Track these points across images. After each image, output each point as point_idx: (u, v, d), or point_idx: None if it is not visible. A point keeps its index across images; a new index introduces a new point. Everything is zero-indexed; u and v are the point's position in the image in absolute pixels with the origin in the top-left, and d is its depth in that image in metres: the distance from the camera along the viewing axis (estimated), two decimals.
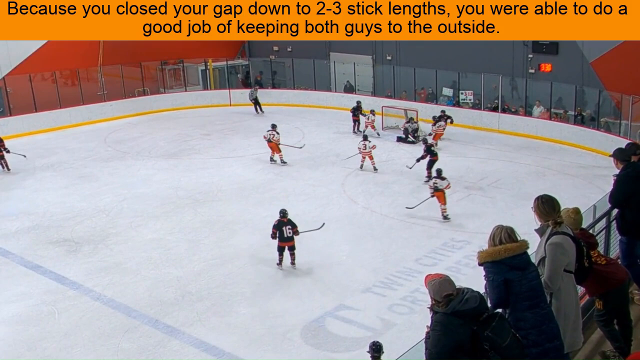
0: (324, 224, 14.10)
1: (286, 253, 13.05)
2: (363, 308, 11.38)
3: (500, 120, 24.25)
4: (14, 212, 16.66)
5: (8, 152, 20.49)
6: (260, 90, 29.18)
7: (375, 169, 19.33)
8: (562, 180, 18.34)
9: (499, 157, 20.78)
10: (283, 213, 13.04)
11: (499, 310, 4.66)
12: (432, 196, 15.64)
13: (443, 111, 22.97)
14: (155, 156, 21.98)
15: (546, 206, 5.04)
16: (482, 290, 4.65)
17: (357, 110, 24.07)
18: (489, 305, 4.63)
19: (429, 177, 17.50)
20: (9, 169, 20.31)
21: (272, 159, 20.50)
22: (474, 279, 5.25)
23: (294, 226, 12.98)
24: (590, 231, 6.38)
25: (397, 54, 28.34)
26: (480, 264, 4.80)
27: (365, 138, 19.75)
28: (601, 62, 22.27)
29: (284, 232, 12.87)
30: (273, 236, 12.95)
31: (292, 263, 13.07)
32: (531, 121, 23.58)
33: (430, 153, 18.43)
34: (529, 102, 24.27)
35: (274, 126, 20.77)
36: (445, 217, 15.43)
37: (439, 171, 15.86)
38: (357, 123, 24.07)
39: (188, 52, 30.52)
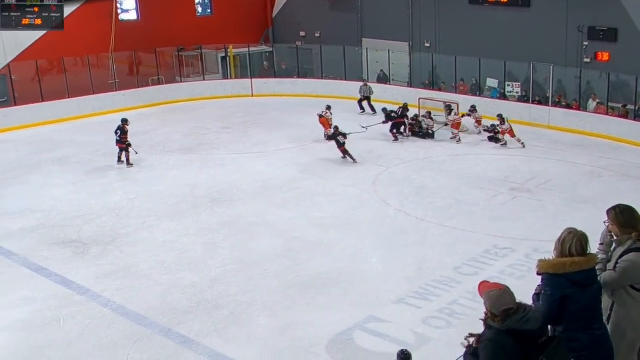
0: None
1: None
2: (395, 320, 11.32)
3: (550, 115, 23.97)
4: (18, 210, 16.93)
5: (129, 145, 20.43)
6: (286, 80, 29.14)
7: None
8: (620, 182, 18.06)
9: (549, 156, 20.54)
10: (336, 127, 20.59)
11: (557, 333, 4.57)
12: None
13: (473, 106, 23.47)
14: (170, 151, 22.17)
15: (626, 216, 4.96)
16: (529, 301, 4.58)
17: (405, 111, 23.56)
18: None
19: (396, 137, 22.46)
20: (129, 164, 20.34)
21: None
22: (519, 292, 5.15)
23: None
24: None
25: (436, 40, 28.20)
26: (539, 274, 4.71)
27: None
28: None
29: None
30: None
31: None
32: (586, 116, 23.25)
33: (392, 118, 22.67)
34: (583, 94, 23.95)
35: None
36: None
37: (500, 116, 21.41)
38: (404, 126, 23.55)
39: (207, 37, 30.76)
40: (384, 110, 23.42)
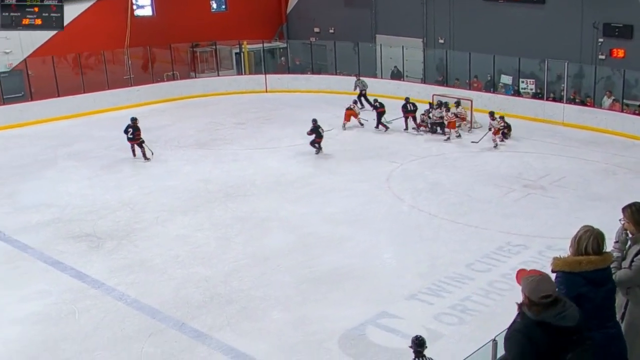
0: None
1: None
2: (407, 316, 11.32)
3: (565, 112, 23.80)
4: (34, 204, 17.04)
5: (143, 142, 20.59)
6: (300, 76, 28.99)
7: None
8: (634, 180, 17.92)
9: (563, 153, 20.41)
10: (315, 120, 20.46)
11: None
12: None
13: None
14: (184, 146, 22.23)
15: None
16: None
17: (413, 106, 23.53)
18: None
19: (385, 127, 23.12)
20: (146, 158, 20.47)
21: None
22: None
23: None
24: None
25: (450, 36, 28.06)
26: (553, 271, 4.67)
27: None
28: None
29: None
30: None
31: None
32: (600, 113, 23.08)
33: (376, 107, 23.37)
34: (598, 91, 23.78)
35: None
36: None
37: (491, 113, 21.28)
38: (407, 120, 23.58)
39: (221, 33, 30.77)
40: (375, 100, 24.00)
